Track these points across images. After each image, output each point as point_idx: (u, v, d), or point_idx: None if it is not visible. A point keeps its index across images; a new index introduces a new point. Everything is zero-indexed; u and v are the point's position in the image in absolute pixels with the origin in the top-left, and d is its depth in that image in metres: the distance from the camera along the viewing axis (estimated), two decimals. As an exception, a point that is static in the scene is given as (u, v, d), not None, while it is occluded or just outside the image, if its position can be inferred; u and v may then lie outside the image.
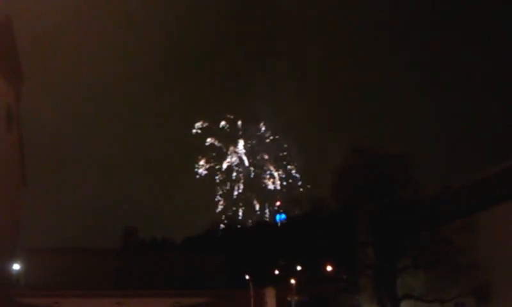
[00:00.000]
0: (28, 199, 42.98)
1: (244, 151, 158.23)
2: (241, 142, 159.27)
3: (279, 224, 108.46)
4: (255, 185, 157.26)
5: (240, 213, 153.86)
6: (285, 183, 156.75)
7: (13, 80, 36.84)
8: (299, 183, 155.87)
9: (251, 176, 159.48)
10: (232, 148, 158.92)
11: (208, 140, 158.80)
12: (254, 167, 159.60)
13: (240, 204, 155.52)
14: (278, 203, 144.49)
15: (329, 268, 38.80)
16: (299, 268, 46.38)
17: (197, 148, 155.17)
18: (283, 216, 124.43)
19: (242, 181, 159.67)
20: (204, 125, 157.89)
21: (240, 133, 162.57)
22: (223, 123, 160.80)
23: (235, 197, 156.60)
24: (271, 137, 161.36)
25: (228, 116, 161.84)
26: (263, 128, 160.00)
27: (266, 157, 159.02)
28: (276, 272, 51.26)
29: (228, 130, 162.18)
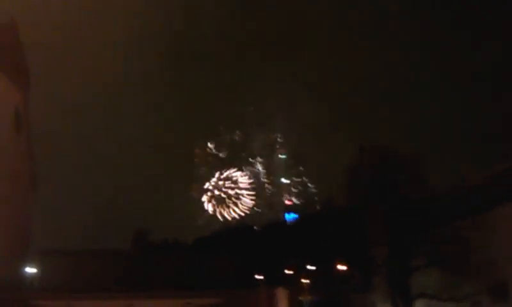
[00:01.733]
0: (39, 202, 43.16)
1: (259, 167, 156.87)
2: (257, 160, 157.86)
3: (289, 224, 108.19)
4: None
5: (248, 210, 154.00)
6: (298, 187, 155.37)
7: (20, 82, 36.91)
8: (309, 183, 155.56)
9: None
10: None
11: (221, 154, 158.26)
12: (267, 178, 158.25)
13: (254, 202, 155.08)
14: (288, 202, 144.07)
15: (341, 267, 38.45)
16: (311, 267, 46.04)
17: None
18: (295, 215, 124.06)
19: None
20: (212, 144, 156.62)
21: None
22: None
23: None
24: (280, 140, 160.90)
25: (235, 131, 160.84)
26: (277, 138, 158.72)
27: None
28: (288, 271, 50.96)
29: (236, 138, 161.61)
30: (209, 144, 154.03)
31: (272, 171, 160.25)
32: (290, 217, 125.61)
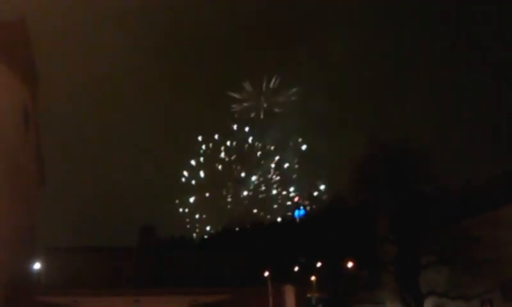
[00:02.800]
0: (47, 199, 43.28)
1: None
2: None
3: (298, 220, 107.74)
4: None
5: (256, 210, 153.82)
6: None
7: (29, 80, 36.85)
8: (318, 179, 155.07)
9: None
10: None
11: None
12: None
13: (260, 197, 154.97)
14: (296, 199, 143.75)
15: (349, 264, 38.21)
16: (319, 264, 45.86)
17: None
18: (302, 211, 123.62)
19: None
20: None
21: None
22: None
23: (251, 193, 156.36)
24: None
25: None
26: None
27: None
28: (296, 268, 50.83)
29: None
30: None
31: (281, 167, 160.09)
32: (298, 213, 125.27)
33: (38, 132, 39.39)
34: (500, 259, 28.99)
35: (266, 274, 37.36)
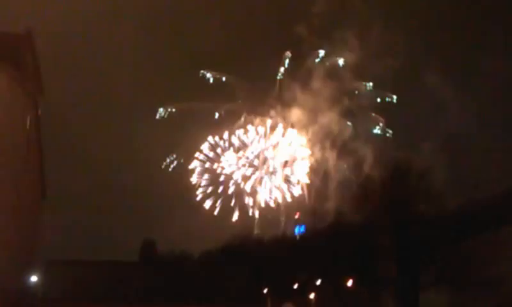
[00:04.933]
0: (47, 211, 43.18)
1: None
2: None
3: (298, 237, 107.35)
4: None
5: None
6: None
7: (33, 92, 37.14)
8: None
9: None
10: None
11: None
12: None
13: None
14: (297, 216, 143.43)
15: (349, 282, 38.09)
16: (318, 282, 45.65)
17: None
18: (302, 229, 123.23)
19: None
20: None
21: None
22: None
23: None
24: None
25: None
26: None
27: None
28: (295, 286, 50.57)
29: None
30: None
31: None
32: (299, 230, 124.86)
33: (40, 144, 39.61)
34: (500, 279, 28.90)
35: (265, 291, 37.28)
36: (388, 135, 73.00)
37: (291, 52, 77.77)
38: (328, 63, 74.83)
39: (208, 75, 80.00)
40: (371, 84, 74.77)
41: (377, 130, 77.11)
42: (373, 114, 71.52)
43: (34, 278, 30.39)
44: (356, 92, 72.62)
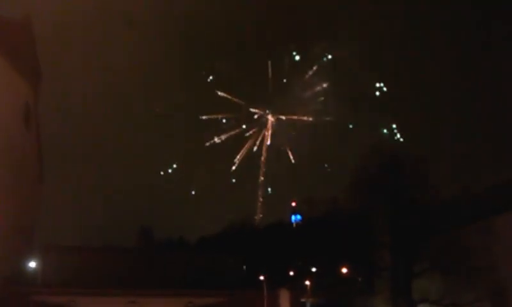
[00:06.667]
0: (45, 197, 43.43)
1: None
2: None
3: (294, 225, 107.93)
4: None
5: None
6: None
7: (32, 78, 37.20)
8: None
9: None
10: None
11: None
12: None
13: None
14: (293, 204, 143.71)
15: (344, 270, 38.51)
16: (314, 269, 46.12)
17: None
18: (299, 217, 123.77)
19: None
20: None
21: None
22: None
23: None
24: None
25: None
26: None
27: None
28: (291, 273, 51.07)
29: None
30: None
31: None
32: (295, 218, 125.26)
33: (38, 130, 39.74)
34: (491, 267, 29.35)
35: (261, 277, 37.68)
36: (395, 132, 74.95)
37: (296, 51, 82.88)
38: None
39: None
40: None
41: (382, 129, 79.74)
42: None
43: (32, 264, 30.56)
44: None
